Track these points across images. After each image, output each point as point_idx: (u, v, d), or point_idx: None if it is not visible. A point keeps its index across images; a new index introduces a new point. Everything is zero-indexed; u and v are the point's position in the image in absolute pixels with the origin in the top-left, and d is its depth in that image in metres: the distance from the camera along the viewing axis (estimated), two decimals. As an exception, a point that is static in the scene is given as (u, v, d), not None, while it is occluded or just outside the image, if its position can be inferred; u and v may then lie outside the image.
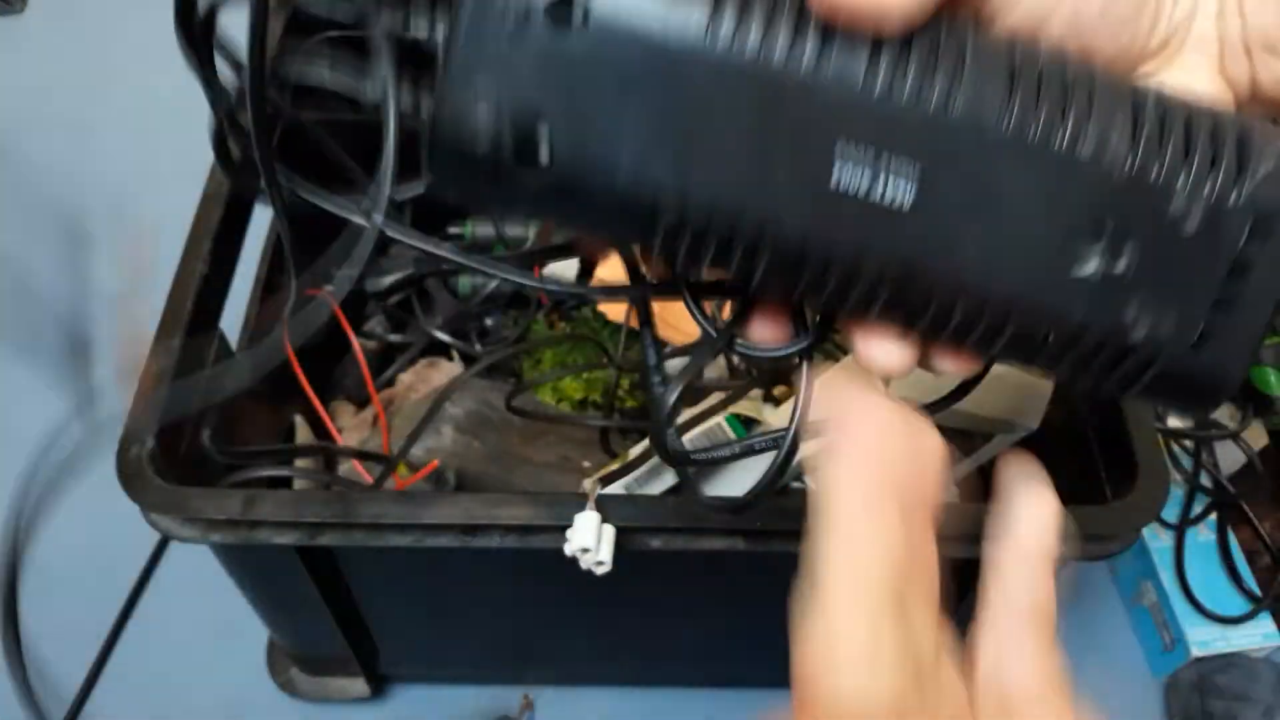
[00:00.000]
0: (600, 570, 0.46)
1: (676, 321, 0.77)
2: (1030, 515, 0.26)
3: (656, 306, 0.77)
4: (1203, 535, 0.72)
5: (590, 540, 0.46)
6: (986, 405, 0.59)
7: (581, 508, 0.47)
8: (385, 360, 0.80)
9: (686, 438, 0.57)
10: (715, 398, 0.60)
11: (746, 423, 0.58)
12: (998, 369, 0.54)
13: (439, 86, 0.25)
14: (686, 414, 0.59)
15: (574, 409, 0.75)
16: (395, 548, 0.49)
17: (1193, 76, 0.27)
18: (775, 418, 0.59)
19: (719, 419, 0.57)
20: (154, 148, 1.04)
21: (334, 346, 0.74)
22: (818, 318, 0.30)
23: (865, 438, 0.24)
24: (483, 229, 0.82)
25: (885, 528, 0.23)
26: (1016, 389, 0.61)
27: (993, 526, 0.27)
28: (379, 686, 0.69)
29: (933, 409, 0.32)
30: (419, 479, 0.61)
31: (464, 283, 0.82)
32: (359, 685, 0.67)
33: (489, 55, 0.24)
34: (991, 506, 0.27)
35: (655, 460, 0.58)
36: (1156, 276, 0.26)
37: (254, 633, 0.67)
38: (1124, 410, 0.51)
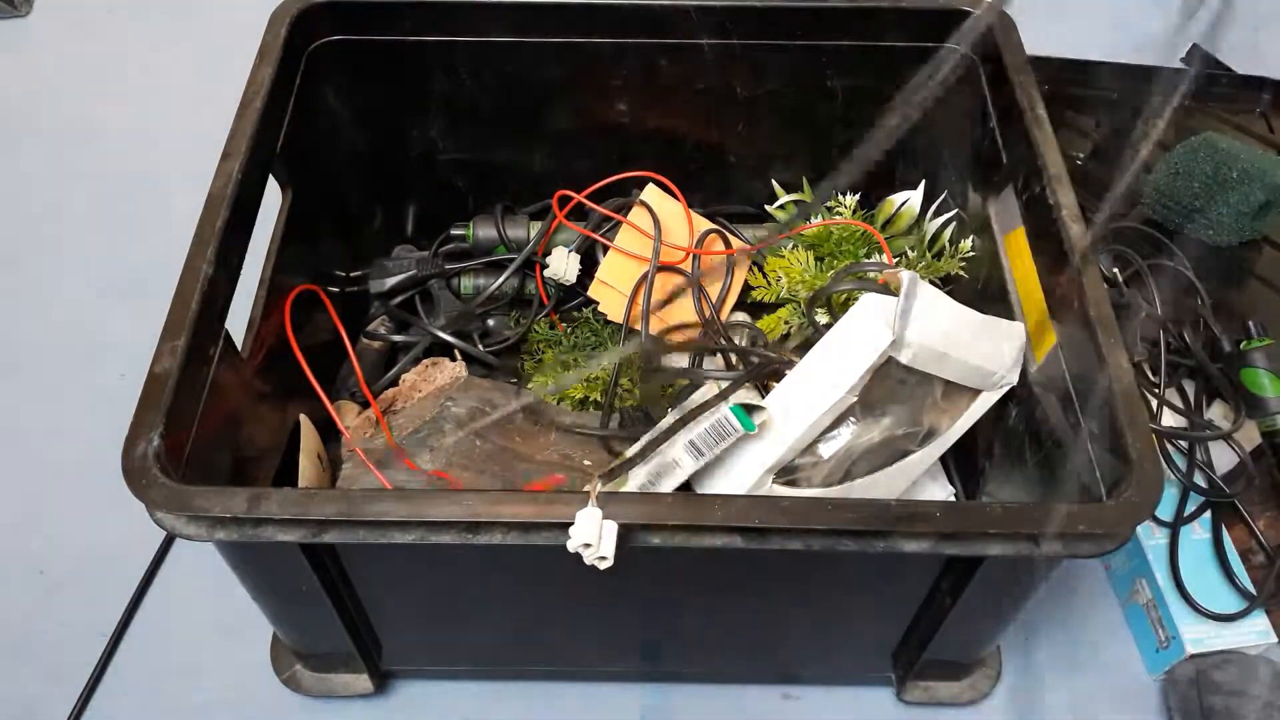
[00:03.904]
0: (602, 566, 0.47)
1: (680, 322, 0.78)
2: None
3: (655, 305, 0.78)
4: (1197, 534, 0.73)
5: (592, 537, 0.46)
6: (975, 353, 0.61)
7: (583, 505, 0.47)
8: (390, 360, 0.81)
9: (695, 433, 0.58)
10: (713, 388, 0.61)
11: (749, 409, 0.58)
12: (985, 317, 0.55)
13: None
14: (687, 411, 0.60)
15: (574, 408, 0.75)
16: (399, 545, 0.49)
17: None
18: (769, 403, 0.61)
19: (724, 409, 0.58)
20: (159, 150, 1.04)
21: (338, 348, 0.74)
22: None
23: None
24: (484, 230, 0.83)
25: None
26: (1003, 337, 0.63)
27: None
28: (382, 682, 0.70)
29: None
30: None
31: (466, 284, 0.83)
32: (362, 681, 0.68)
33: None
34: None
35: (658, 457, 0.59)
36: None
37: (258, 629, 0.67)
38: (1118, 410, 0.51)
